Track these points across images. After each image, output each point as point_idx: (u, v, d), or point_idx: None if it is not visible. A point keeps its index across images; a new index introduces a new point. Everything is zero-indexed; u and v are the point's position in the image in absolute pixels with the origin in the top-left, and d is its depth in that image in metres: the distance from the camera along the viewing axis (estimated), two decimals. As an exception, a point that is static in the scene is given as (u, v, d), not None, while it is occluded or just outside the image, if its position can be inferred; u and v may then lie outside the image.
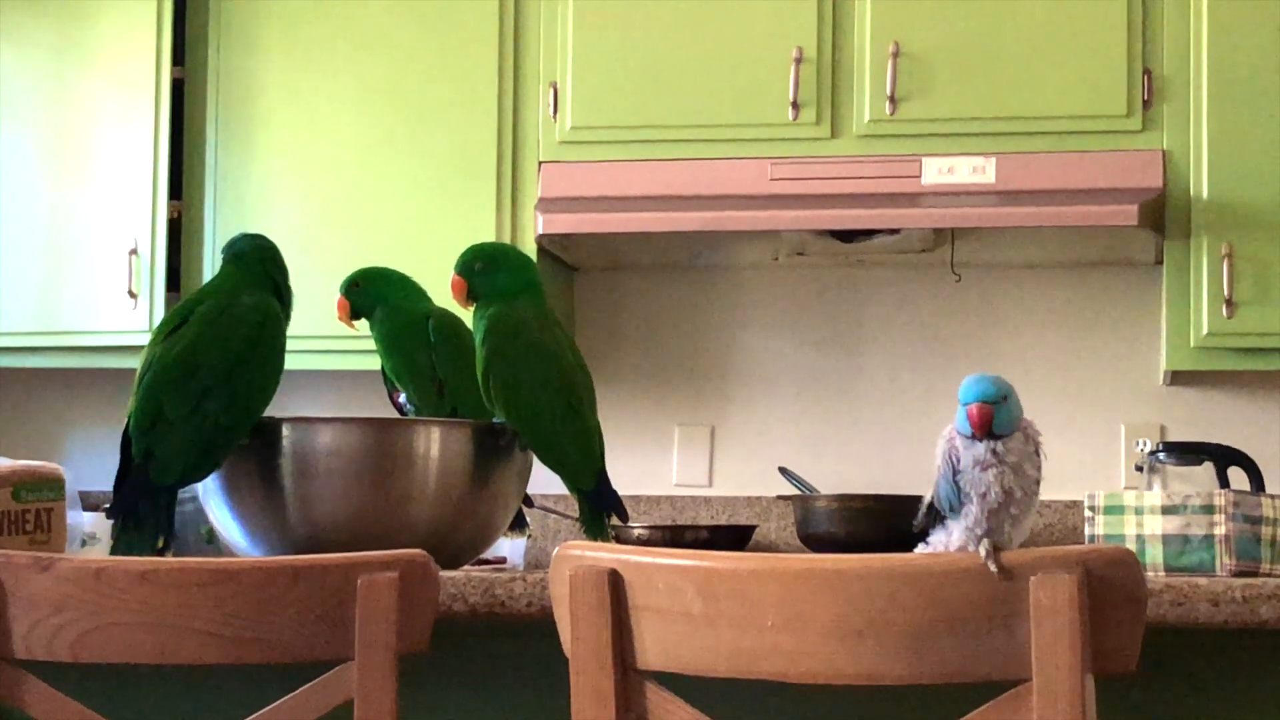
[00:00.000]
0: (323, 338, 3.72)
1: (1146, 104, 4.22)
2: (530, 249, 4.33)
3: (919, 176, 4.25)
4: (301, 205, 4.57)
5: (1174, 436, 4.48)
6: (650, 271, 4.80)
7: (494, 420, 2.55)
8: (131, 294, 4.56)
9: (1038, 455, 1.87)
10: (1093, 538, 2.93)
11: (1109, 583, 1.66)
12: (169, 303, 4.52)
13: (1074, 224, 4.18)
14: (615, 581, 1.79)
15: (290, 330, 2.59)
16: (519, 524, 2.71)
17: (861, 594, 1.70)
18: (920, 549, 1.90)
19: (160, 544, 2.41)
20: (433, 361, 2.71)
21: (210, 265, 4.51)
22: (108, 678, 2.10)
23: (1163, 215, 4.20)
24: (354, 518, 2.45)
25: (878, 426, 4.66)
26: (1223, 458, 4.02)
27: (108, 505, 2.43)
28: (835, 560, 1.73)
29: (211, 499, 2.53)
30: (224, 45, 4.63)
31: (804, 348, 4.73)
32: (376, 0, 4.56)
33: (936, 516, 1.89)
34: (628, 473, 4.33)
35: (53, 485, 2.48)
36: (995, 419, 1.82)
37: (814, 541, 4.28)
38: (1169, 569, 2.84)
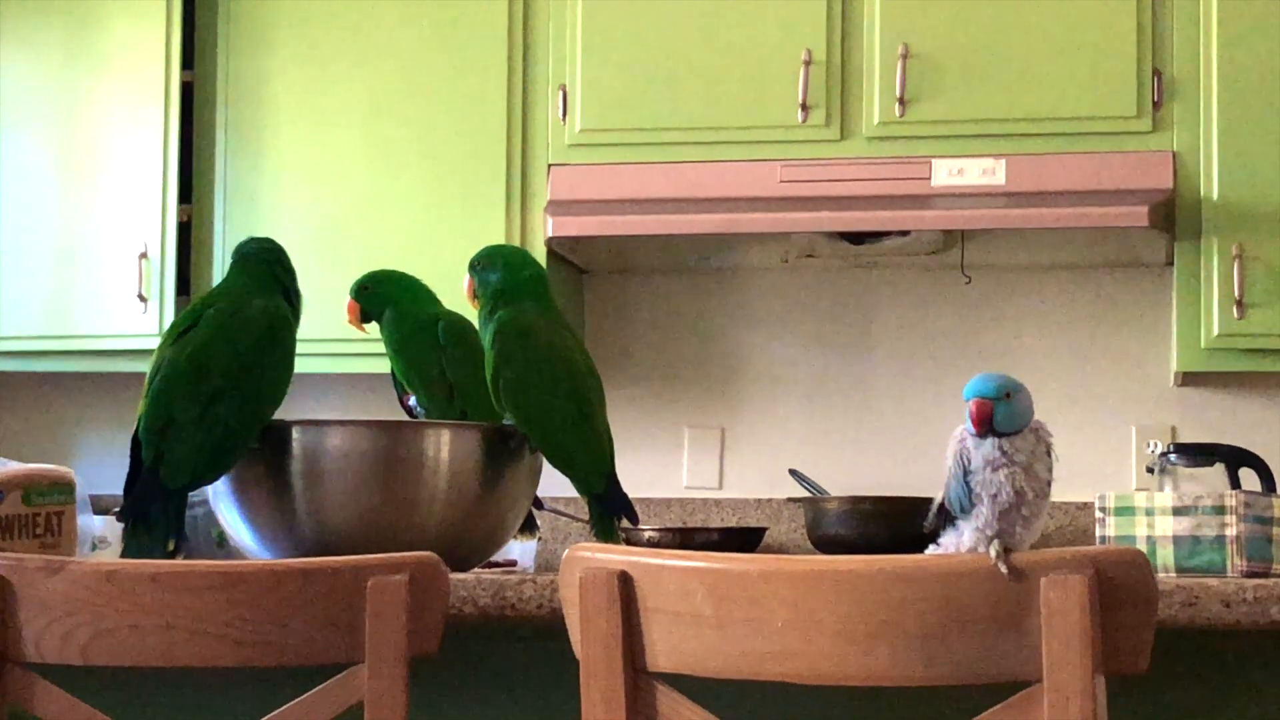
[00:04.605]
0: (333, 341, 3.73)
1: (1156, 105, 4.22)
2: (540, 252, 4.33)
3: (929, 178, 4.25)
4: (311, 208, 4.57)
5: (1185, 438, 4.47)
6: (660, 274, 4.80)
7: (504, 423, 2.55)
8: (142, 298, 4.56)
9: (1049, 456, 1.86)
10: (1103, 539, 2.93)
11: (1120, 584, 1.66)
12: (179, 306, 4.52)
13: (1084, 225, 4.18)
14: (625, 583, 1.79)
15: (300, 333, 2.60)
16: (529, 526, 2.71)
17: (872, 596, 1.70)
18: (931, 550, 1.90)
19: (170, 547, 2.41)
20: (442, 364, 2.71)
21: (220, 269, 4.52)
22: (118, 680, 2.10)
23: (1173, 216, 4.20)
24: (364, 520, 2.45)
25: (888, 428, 4.65)
26: (1234, 459, 4.01)
27: (118, 509, 2.43)
28: (846, 562, 1.73)
29: (222, 502, 2.53)
30: (233, 49, 4.63)
31: (814, 349, 4.73)
32: (386, 4, 4.56)
33: (947, 518, 1.89)
34: (638, 475, 4.32)
35: (63, 489, 2.48)
36: (996, 416, 1.81)
37: (824, 543, 4.28)
38: (1180, 570, 2.83)
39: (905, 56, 4.27)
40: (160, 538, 2.41)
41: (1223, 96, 4.19)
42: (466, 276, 2.66)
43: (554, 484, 2.69)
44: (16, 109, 4.71)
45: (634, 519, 2.62)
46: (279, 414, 2.50)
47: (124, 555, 2.41)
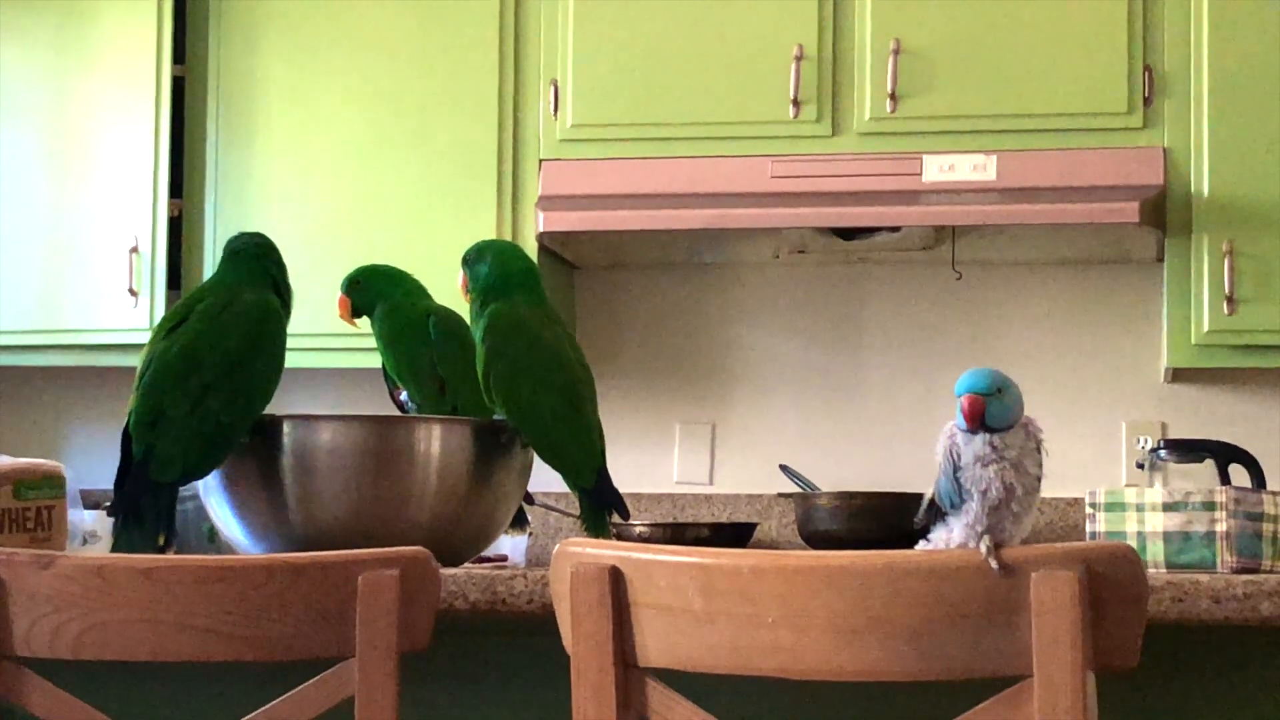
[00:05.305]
0: (324, 335, 3.73)
1: (1147, 101, 4.22)
2: (531, 247, 4.33)
3: (920, 174, 4.25)
4: (302, 203, 4.57)
5: (1175, 433, 4.48)
6: (651, 269, 4.80)
7: (495, 418, 2.55)
8: (132, 292, 4.56)
9: (1039, 452, 1.86)
10: (1094, 535, 2.93)
11: (1110, 580, 1.66)
12: (170, 301, 4.52)
13: (1075, 221, 4.18)
14: (616, 578, 1.79)
15: (291, 328, 2.59)
16: (520, 521, 2.71)
17: (862, 591, 1.70)
18: (921, 546, 1.90)
19: (161, 542, 2.41)
20: (433, 359, 2.71)
21: (211, 263, 4.51)
22: (109, 675, 2.10)
23: (1164, 212, 4.20)
24: (355, 515, 2.45)
25: (878, 424, 4.65)
26: (1224, 455, 4.01)
27: (109, 503, 2.43)
28: (836, 557, 1.73)
29: (212, 496, 2.53)
30: (224, 43, 4.63)
31: (805, 345, 4.73)
32: (377, -2, 4.57)
33: (937, 513, 1.89)
34: (629, 470, 4.33)
35: (54, 483, 2.48)
36: (988, 411, 1.82)
37: (815, 539, 4.28)
38: (1170, 566, 2.84)
39: (896, 52, 4.28)
40: (151, 532, 2.41)
41: (1213, 93, 4.19)
42: (460, 272, 2.66)
43: (545, 479, 2.69)
44: (8, 102, 4.71)
45: (625, 514, 2.62)
46: (270, 409, 2.50)
47: (114, 550, 2.41)
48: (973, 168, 4.23)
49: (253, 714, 1.90)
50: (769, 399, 4.73)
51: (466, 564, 2.61)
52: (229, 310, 2.51)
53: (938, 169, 4.24)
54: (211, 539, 3.38)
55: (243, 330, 2.49)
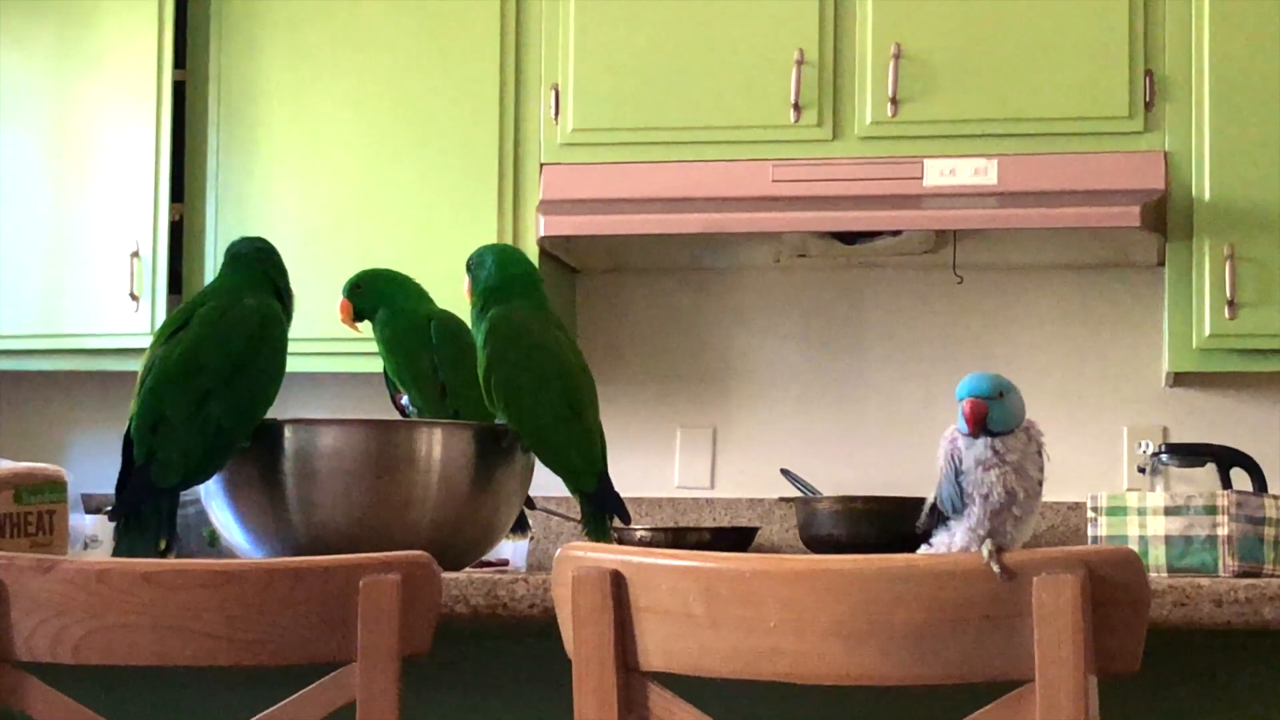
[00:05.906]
0: (325, 340, 3.73)
1: (1148, 105, 4.22)
2: (532, 251, 4.33)
3: (921, 178, 4.25)
4: (303, 208, 4.57)
5: (1176, 438, 4.48)
6: (652, 273, 4.80)
7: (496, 422, 2.55)
8: (133, 296, 4.56)
9: (1040, 456, 1.87)
10: (1095, 539, 2.93)
11: (1112, 583, 1.66)
12: (171, 305, 4.51)
13: (1076, 225, 4.18)
14: (618, 582, 1.79)
15: (292, 332, 2.59)
16: (521, 526, 2.71)
17: (864, 595, 1.70)
18: (923, 550, 1.90)
19: (162, 546, 2.41)
20: (435, 363, 2.71)
21: (212, 268, 4.51)
22: (110, 680, 2.10)
23: (1165, 217, 4.20)
24: (356, 519, 2.45)
25: (880, 428, 4.65)
26: (1225, 459, 4.01)
27: (110, 508, 2.43)
28: (837, 561, 1.73)
29: (213, 501, 2.53)
30: (225, 47, 4.63)
31: (806, 349, 4.73)
32: (378, 2, 4.56)
33: (939, 517, 1.89)
34: (630, 475, 4.32)
35: (55, 487, 2.48)
36: (990, 415, 1.82)
37: (816, 543, 4.28)
38: (1172, 570, 2.83)
39: (897, 56, 4.28)
40: (152, 537, 2.41)
41: (1214, 97, 4.19)
42: (465, 279, 2.66)
43: (546, 483, 2.69)
44: (9, 107, 4.71)
45: (626, 518, 2.62)
46: (271, 413, 2.50)
47: (115, 554, 2.41)
48: (973, 172, 4.23)
49: (254, 719, 1.90)
50: (770, 403, 4.73)
51: (468, 568, 2.61)
52: (230, 315, 2.51)
53: (938, 173, 4.24)
54: (212, 543, 3.38)
55: (244, 335, 2.50)
